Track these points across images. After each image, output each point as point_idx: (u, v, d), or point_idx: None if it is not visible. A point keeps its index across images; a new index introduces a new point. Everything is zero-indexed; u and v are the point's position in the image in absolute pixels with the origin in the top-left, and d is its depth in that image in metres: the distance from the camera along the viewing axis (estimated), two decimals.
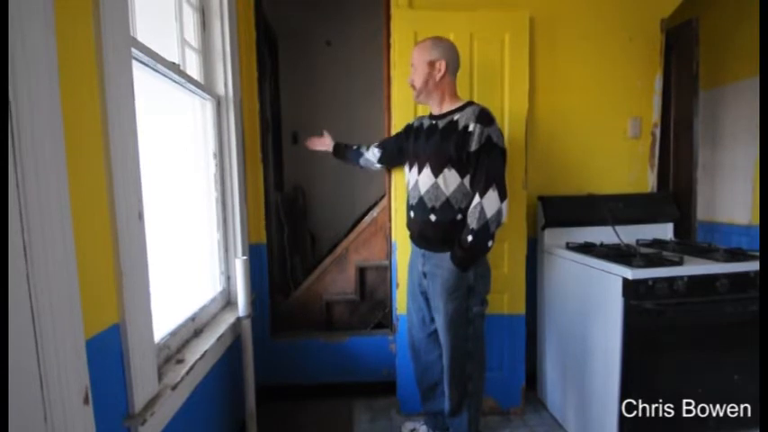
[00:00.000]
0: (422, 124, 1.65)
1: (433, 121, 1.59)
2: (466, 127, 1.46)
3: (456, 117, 1.51)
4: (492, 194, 1.42)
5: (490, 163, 1.44)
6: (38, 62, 0.66)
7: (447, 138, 1.49)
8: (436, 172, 1.51)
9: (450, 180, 1.49)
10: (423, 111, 1.84)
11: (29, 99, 0.64)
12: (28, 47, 0.64)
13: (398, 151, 1.80)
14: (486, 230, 1.42)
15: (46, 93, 0.68)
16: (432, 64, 1.52)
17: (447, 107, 1.57)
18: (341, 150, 1.97)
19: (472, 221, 1.43)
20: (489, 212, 1.41)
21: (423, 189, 1.55)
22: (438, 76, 1.53)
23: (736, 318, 1.53)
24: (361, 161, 1.92)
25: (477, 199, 1.44)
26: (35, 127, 0.65)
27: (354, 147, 1.95)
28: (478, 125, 1.44)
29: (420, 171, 1.57)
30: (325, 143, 1.98)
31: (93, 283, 0.82)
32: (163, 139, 1.42)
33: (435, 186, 1.52)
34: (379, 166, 1.91)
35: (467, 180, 1.49)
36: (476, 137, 1.43)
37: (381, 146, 1.88)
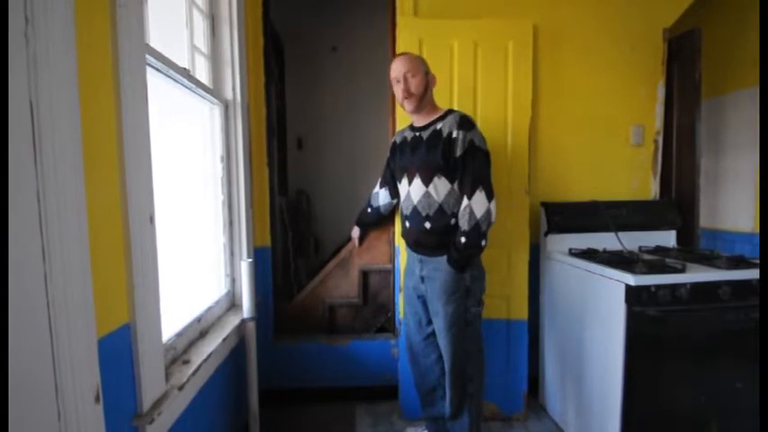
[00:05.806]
0: (405, 138, 1.68)
1: (416, 133, 1.62)
2: (450, 134, 1.51)
3: (439, 126, 1.56)
4: (479, 196, 1.47)
5: (475, 166, 1.49)
6: (59, 69, 0.68)
7: (433, 147, 1.54)
8: (426, 181, 1.56)
9: (441, 187, 1.54)
10: None
11: (50, 103, 0.66)
12: (51, 55, 0.66)
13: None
14: (478, 230, 1.47)
15: (66, 98, 0.70)
16: (428, 75, 1.60)
17: (430, 117, 1.61)
18: (364, 222, 2.06)
19: (463, 223, 1.48)
20: (479, 213, 1.46)
21: (415, 199, 1.59)
22: (432, 86, 1.61)
23: (738, 325, 1.54)
24: (382, 210, 1.95)
25: (465, 201, 1.49)
26: (55, 132, 0.67)
27: (368, 209, 1.98)
28: (461, 131, 1.50)
29: (411, 182, 1.61)
30: (355, 234, 2.11)
31: (106, 283, 0.84)
32: (172, 143, 1.45)
33: (427, 195, 1.56)
34: (395, 200, 1.90)
35: (456, 185, 1.54)
36: (459, 142, 1.49)
37: (384, 183, 1.89)
